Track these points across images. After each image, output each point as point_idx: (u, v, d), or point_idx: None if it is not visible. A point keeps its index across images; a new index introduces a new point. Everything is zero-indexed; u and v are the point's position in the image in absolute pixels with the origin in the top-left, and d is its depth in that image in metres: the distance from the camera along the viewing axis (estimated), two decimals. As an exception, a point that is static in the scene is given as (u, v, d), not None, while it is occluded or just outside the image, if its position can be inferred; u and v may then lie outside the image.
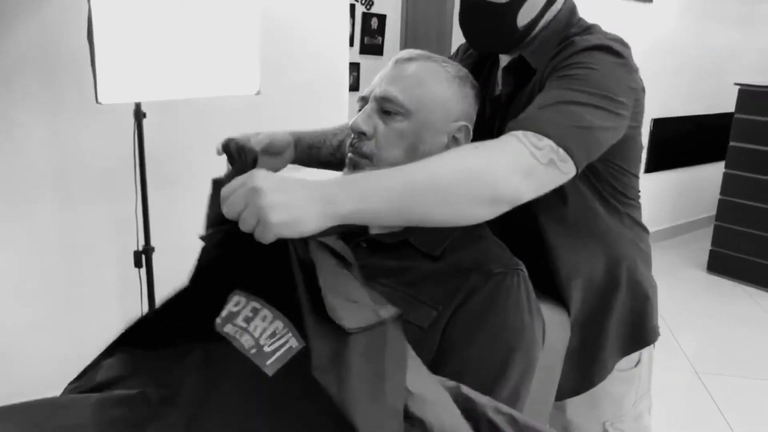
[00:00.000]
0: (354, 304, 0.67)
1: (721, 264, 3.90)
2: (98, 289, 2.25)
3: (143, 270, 2.06)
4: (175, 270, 2.45)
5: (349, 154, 0.98)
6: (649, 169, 4.17)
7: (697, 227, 4.70)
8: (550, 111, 0.87)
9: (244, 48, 1.86)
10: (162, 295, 2.39)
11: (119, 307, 2.29)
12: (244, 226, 0.67)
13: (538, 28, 1.04)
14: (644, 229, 1.19)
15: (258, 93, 1.95)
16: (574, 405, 1.22)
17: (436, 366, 0.83)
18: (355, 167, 0.97)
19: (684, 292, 3.66)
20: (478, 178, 0.76)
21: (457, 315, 0.87)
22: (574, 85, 0.90)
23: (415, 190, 0.73)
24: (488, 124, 1.10)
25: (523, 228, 1.06)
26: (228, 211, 0.68)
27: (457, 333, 0.86)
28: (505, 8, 1.00)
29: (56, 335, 2.17)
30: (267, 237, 0.66)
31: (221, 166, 2.69)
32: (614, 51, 0.96)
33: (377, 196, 0.71)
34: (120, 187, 2.15)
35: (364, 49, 5.06)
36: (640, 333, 1.19)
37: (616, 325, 1.16)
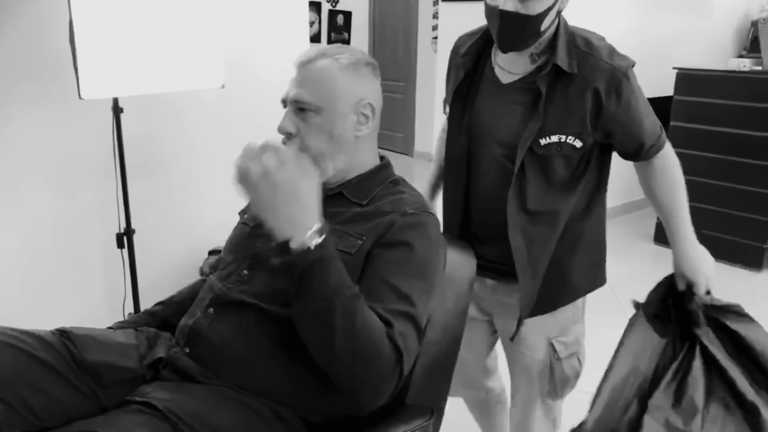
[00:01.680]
0: None
1: (665, 235, 4.16)
2: (85, 269, 2.43)
3: (125, 250, 2.25)
4: (155, 249, 2.69)
5: None
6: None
7: (646, 205, 4.93)
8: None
9: (209, 45, 2.07)
10: (143, 272, 2.62)
11: (104, 284, 2.47)
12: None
13: (550, 30, 1.30)
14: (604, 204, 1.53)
15: (222, 87, 2.16)
16: (528, 323, 1.46)
17: (360, 280, 1.07)
18: None
19: (632, 260, 3.93)
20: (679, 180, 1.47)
21: (379, 243, 1.11)
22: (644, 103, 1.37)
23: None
24: (494, 104, 1.38)
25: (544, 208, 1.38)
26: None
27: (377, 255, 1.10)
28: (536, 18, 1.25)
29: (46, 310, 2.34)
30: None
31: (191, 154, 2.94)
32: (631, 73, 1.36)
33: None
34: (102, 176, 2.33)
35: (332, 45, 5.23)
36: (596, 277, 1.52)
37: (581, 269, 1.47)
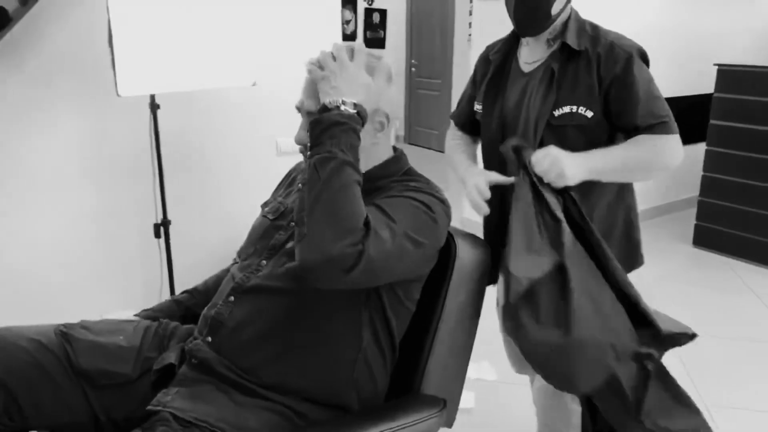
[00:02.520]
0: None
1: (705, 238, 4.06)
2: (124, 257, 2.53)
3: (162, 240, 2.34)
4: (189, 240, 2.77)
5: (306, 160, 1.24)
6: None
7: (685, 206, 4.83)
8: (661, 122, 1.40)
9: (241, 44, 2.13)
10: (179, 261, 2.71)
11: (142, 272, 2.57)
12: (547, 176, 1.29)
13: (562, 16, 1.45)
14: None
15: (254, 84, 2.22)
16: None
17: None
18: None
19: (670, 264, 3.85)
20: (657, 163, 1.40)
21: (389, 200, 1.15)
22: (650, 84, 1.42)
23: (635, 168, 1.40)
24: (520, 90, 1.50)
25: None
26: (539, 168, 1.29)
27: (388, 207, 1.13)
28: (548, 1, 1.40)
29: (88, 295, 2.45)
30: (559, 183, 1.29)
31: (223, 149, 3.01)
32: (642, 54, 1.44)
33: (606, 173, 1.38)
34: (140, 169, 2.43)
35: (368, 43, 5.26)
36: (633, 257, 1.57)
37: (615, 250, 1.47)
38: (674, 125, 1.41)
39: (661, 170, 1.44)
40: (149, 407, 1.10)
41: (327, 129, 1.07)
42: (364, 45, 1.21)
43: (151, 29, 1.94)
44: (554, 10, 1.42)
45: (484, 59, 1.63)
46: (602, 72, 1.40)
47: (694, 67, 4.50)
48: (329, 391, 1.17)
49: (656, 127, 1.40)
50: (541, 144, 1.43)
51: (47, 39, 2.21)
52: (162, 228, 2.32)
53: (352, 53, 1.17)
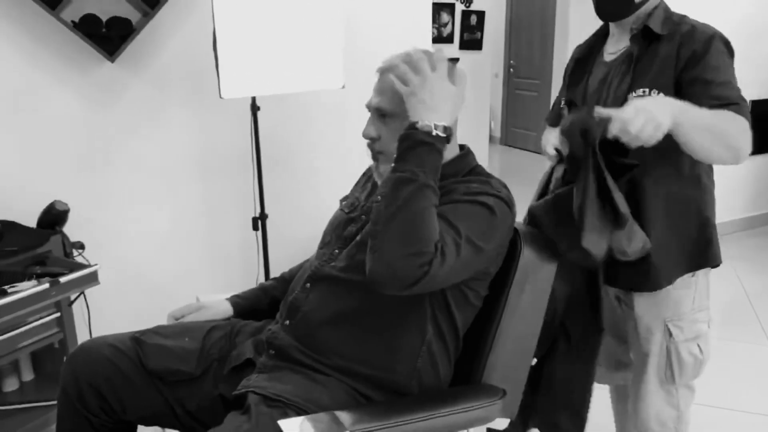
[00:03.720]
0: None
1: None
2: (225, 247, 2.73)
3: (259, 233, 2.51)
4: (285, 233, 2.95)
5: (371, 153, 1.32)
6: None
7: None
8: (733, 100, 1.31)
9: (331, 49, 2.25)
10: (274, 252, 2.87)
11: (241, 262, 2.76)
12: (643, 133, 1.17)
13: (646, 5, 1.43)
14: (711, 182, 1.49)
15: (343, 87, 2.33)
16: (641, 303, 1.51)
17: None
18: (376, 160, 1.32)
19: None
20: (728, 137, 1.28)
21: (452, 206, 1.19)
22: (729, 69, 1.35)
23: (709, 130, 1.25)
24: (601, 76, 1.50)
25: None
26: (633, 127, 1.17)
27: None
28: None
29: (192, 281, 2.67)
30: (658, 136, 1.18)
31: (316, 148, 3.16)
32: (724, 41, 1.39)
33: (686, 125, 1.23)
34: (241, 166, 2.62)
35: (464, 45, 5.26)
36: (702, 257, 1.47)
37: (683, 245, 1.45)
38: (747, 113, 1.31)
39: (732, 148, 1.29)
40: (235, 392, 1.21)
41: (413, 147, 1.12)
42: (442, 50, 1.23)
43: (251, 36, 2.10)
44: None
45: (572, 58, 1.64)
46: (681, 52, 1.36)
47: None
48: (392, 378, 1.23)
49: (731, 107, 1.30)
50: None
51: (164, 47, 2.45)
52: (259, 221, 2.48)
53: (431, 61, 1.18)
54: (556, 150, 1.51)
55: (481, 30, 5.29)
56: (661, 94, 1.35)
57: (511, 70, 7.23)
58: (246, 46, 2.09)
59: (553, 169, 1.55)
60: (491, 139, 7.12)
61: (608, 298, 1.59)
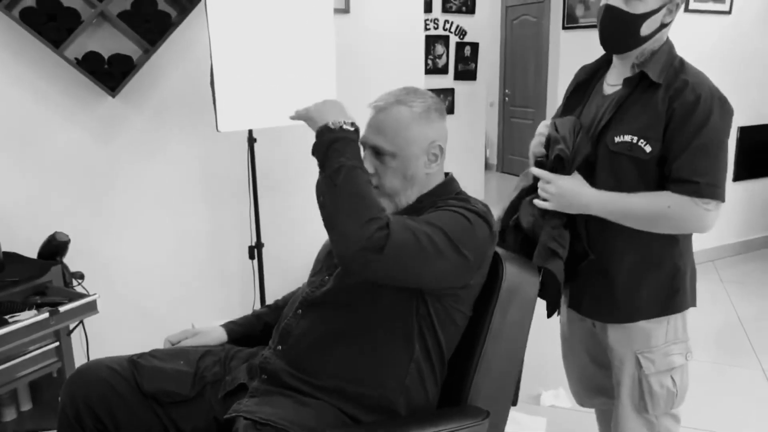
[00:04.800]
0: None
1: (814, 270, 3.78)
2: (223, 275, 2.77)
3: (255, 261, 2.55)
4: (281, 261, 2.97)
5: None
6: (738, 177, 4.14)
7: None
8: (708, 176, 1.32)
9: (325, 82, 2.32)
10: (270, 280, 2.91)
11: (238, 289, 2.80)
12: (551, 201, 1.41)
13: (651, 41, 1.39)
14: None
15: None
16: (612, 333, 1.51)
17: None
18: (377, 194, 1.35)
19: (766, 298, 3.62)
20: (667, 222, 1.35)
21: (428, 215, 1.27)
22: (707, 136, 1.32)
23: (633, 221, 1.37)
24: (594, 110, 1.48)
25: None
26: (544, 193, 1.43)
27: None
28: (635, 18, 1.36)
29: (191, 306, 2.71)
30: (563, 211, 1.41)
31: (312, 178, 3.17)
32: (722, 100, 1.35)
33: (613, 218, 1.39)
34: (238, 196, 2.68)
35: (458, 75, 5.35)
36: (669, 304, 1.47)
37: (650, 293, 1.45)
38: (711, 191, 1.31)
39: (672, 231, 1.38)
40: (226, 416, 1.25)
41: (331, 144, 1.21)
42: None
43: (247, 72, 2.17)
44: (644, 31, 1.37)
45: (574, 79, 1.61)
46: (674, 106, 1.33)
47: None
48: (382, 393, 1.27)
49: (685, 186, 1.32)
50: (594, 167, 1.43)
51: (164, 82, 2.52)
52: (256, 250, 2.53)
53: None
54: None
55: (476, 61, 5.40)
56: (647, 145, 1.34)
57: (506, 99, 7.34)
58: (242, 81, 2.16)
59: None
60: (487, 166, 7.20)
61: (586, 323, 1.62)
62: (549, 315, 1.55)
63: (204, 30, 2.39)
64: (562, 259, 1.43)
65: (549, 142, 1.47)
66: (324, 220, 1.19)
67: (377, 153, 1.33)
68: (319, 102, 1.32)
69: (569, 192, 1.41)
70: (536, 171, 1.46)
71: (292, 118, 1.35)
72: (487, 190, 6.14)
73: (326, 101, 1.32)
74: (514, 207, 1.56)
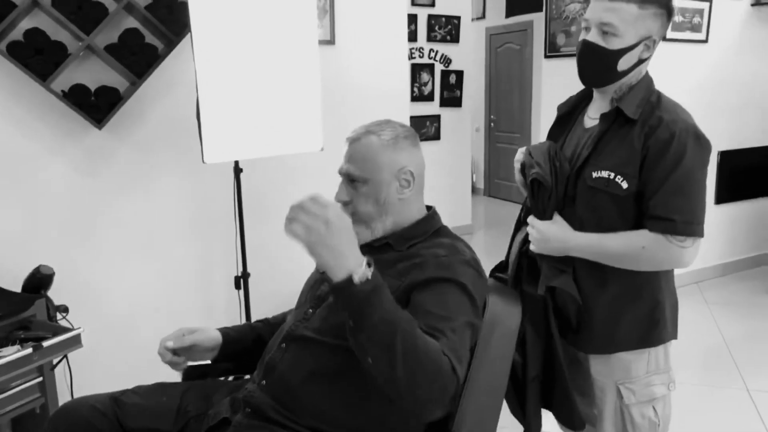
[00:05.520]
0: None
1: (798, 291, 3.81)
2: (209, 305, 2.75)
3: (242, 291, 2.54)
4: (266, 291, 2.96)
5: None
6: (720, 200, 4.20)
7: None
8: (684, 213, 1.33)
9: (310, 116, 2.34)
10: (256, 311, 2.87)
11: (225, 320, 2.78)
12: (533, 244, 1.50)
13: (629, 76, 1.41)
14: None
15: (322, 149, 2.42)
16: (593, 363, 1.52)
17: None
18: (354, 222, 1.31)
19: (753, 318, 3.64)
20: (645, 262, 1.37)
21: (415, 284, 1.24)
22: (681, 173, 1.32)
23: (613, 261, 1.41)
24: (576, 141, 1.50)
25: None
26: (533, 245, 1.51)
27: (415, 296, 1.23)
28: (612, 54, 1.38)
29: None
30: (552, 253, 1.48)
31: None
32: (697, 135, 1.35)
33: (592, 257, 1.43)
34: (225, 225, 2.67)
35: (444, 102, 5.43)
36: (648, 337, 1.47)
37: (629, 326, 1.46)
38: (687, 228, 1.32)
39: (653, 269, 1.41)
40: None
41: (365, 301, 1.05)
42: (321, 195, 1.10)
43: (233, 104, 2.19)
44: (621, 66, 1.38)
45: (557, 114, 1.63)
46: (648, 143, 1.34)
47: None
48: (364, 423, 1.26)
49: (660, 223, 1.33)
50: (573, 201, 1.45)
51: (150, 114, 2.53)
52: (242, 280, 2.52)
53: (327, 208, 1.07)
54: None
55: (461, 88, 5.48)
56: (624, 182, 1.36)
57: (492, 124, 7.43)
58: (228, 112, 2.18)
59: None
60: (474, 190, 7.26)
61: (569, 351, 1.61)
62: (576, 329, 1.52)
63: (190, 62, 2.41)
64: (570, 274, 1.45)
65: (524, 168, 1.51)
66: (386, 384, 1.08)
67: (351, 181, 1.36)
68: (319, 227, 1.04)
69: (552, 237, 1.45)
70: (529, 219, 1.51)
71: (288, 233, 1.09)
72: (475, 214, 6.18)
73: (330, 225, 1.04)
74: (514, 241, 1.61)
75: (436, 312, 1.18)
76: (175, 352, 1.45)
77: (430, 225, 1.40)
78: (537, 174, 1.45)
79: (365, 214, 1.35)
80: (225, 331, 1.56)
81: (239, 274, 2.52)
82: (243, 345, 1.54)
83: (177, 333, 1.52)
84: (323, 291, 1.38)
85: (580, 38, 1.43)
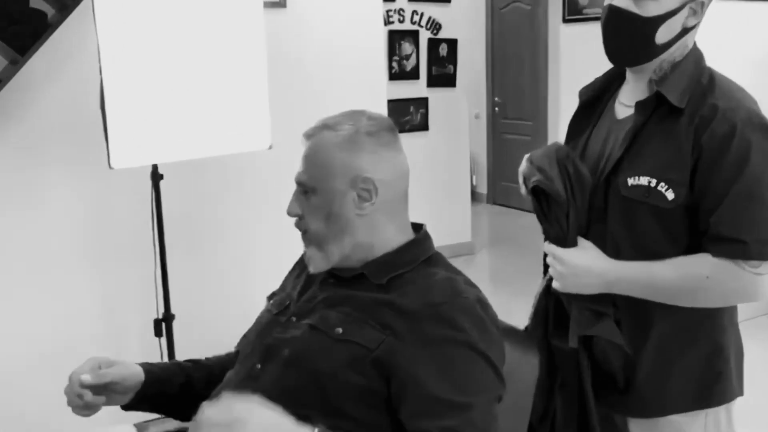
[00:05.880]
0: None
1: None
2: (122, 356, 2.68)
3: (164, 339, 2.51)
4: (196, 339, 2.93)
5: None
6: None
7: None
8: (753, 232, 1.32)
9: (255, 104, 2.34)
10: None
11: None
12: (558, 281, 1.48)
13: (671, 51, 1.40)
14: None
15: (270, 147, 2.42)
16: (635, 428, 1.53)
17: (399, 394, 1.21)
18: (306, 244, 1.39)
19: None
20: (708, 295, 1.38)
21: (408, 341, 1.23)
22: (749, 179, 1.31)
23: (664, 298, 1.41)
24: (604, 135, 1.51)
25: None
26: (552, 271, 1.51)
27: (411, 362, 1.22)
28: (648, 22, 1.36)
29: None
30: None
31: (238, 225, 3.18)
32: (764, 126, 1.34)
33: (636, 294, 1.42)
34: (140, 252, 2.63)
35: (432, 81, 5.44)
36: (711, 391, 1.47)
37: (682, 379, 1.47)
38: (762, 250, 1.31)
39: (717, 305, 1.42)
40: None
41: None
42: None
43: (150, 90, 2.17)
44: (660, 38, 1.38)
45: (580, 101, 1.64)
46: (701, 140, 1.33)
47: None
48: None
49: (728, 246, 1.32)
50: (603, 216, 1.45)
51: (37, 103, 2.51)
52: (164, 324, 2.49)
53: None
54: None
55: (454, 62, 5.50)
56: (670, 191, 1.35)
57: (496, 109, 7.49)
58: (142, 101, 2.16)
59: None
60: (475, 196, 7.29)
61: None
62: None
63: (91, 33, 2.39)
64: (611, 316, 1.44)
65: (526, 181, 1.51)
66: None
67: (304, 191, 1.37)
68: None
69: (583, 270, 1.43)
70: (545, 247, 1.50)
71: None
72: (476, 228, 6.17)
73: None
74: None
75: (445, 397, 1.18)
76: (92, 390, 1.41)
77: (419, 251, 1.39)
78: (539, 182, 1.45)
79: (316, 233, 1.34)
80: (148, 368, 1.54)
81: (160, 317, 2.50)
82: (168, 388, 1.54)
83: (91, 364, 1.49)
84: (277, 339, 1.37)
85: (606, 1, 1.43)
